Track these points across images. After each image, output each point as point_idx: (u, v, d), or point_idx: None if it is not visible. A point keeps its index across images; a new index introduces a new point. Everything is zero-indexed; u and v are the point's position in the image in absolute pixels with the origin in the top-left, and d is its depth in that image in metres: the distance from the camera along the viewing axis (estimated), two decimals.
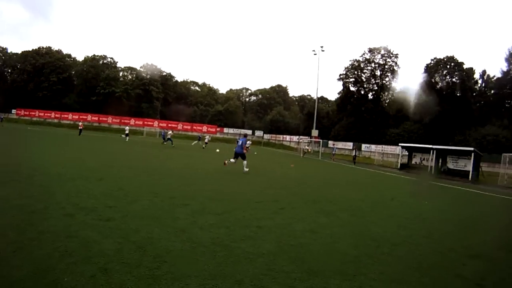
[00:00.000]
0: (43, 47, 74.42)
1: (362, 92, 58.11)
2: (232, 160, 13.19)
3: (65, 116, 64.56)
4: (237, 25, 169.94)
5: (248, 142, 23.97)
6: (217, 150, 24.14)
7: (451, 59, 49.60)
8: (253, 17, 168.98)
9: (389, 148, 43.03)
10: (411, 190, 14.17)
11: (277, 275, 3.26)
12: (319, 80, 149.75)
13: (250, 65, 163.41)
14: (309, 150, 35.03)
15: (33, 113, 65.99)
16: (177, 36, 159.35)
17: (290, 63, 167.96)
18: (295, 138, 58.49)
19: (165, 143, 30.11)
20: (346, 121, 57.00)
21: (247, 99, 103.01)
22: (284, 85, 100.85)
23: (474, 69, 49.74)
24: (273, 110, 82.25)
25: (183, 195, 6.90)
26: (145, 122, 63.42)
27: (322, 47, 38.96)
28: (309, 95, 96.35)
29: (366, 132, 53.20)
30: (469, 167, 22.89)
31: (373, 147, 45.74)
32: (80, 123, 36.36)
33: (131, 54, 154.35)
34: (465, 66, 48.98)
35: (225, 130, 68.98)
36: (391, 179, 18.42)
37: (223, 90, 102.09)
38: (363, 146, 46.78)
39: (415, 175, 22.88)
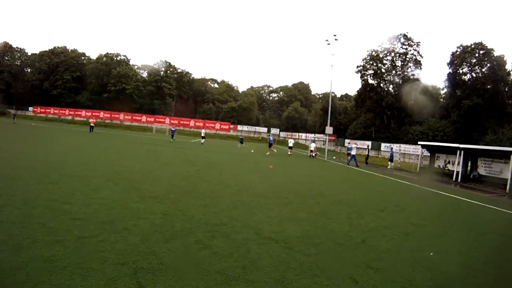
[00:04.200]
0: (58, 47, 76.91)
1: (382, 85, 52.91)
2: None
3: (79, 113, 66.00)
4: (262, 22, 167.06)
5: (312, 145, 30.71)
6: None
7: (479, 45, 43.37)
8: (278, 15, 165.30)
9: (411, 148, 38.62)
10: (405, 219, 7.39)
11: None
12: (340, 76, 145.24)
13: (273, 63, 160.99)
14: (316, 153, 29.82)
15: (48, 110, 67.93)
16: (200, 35, 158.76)
17: (314, 60, 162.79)
18: (311, 136, 55.35)
19: (171, 140, 31.52)
20: (364, 118, 52.52)
21: (267, 97, 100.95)
22: (306, 82, 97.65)
23: (505, 57, 43.13)
24: (289, 106, 79.13)
25: None
26: (156, 119, 64.13)
27: (335, 35, 34.27)
28: (333, 93, 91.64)
29: (386, 130, 48.73)
30: (507, 174, 16.45)
31: (394, 147, 41.19)
32: (91, 120, 36.15)
33: (148, 53, 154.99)
34: (495, 53, 42.78)
35: (239, 127, 67.47)
36: (386, 193, 11.98)
37: (243, 88, 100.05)
38: (383, 145, 42.44)
39: (434, 185, 16.34)
